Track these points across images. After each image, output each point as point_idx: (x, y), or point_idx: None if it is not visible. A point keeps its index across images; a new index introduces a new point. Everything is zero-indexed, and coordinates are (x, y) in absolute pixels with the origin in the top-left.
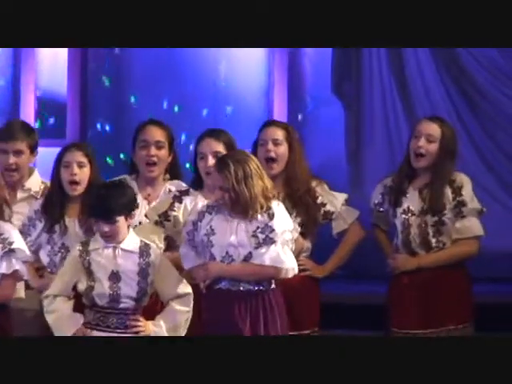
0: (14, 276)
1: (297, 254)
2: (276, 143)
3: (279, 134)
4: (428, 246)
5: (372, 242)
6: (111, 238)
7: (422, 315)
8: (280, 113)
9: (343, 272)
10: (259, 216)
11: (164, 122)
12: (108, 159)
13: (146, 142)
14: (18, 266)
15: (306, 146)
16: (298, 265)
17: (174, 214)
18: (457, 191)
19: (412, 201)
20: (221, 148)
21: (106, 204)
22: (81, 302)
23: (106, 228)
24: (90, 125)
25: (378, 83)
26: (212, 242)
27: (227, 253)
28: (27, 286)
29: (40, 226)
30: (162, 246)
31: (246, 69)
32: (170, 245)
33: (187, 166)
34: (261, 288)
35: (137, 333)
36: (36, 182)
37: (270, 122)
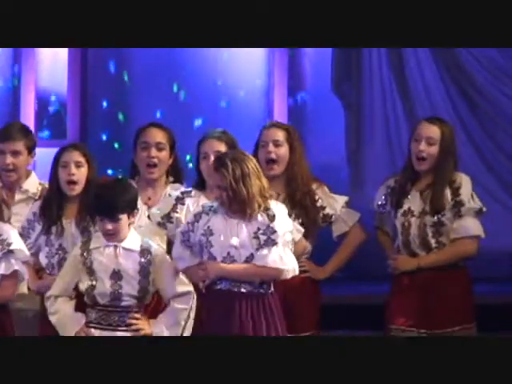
0: (14, 276)
1: (299, 256)
2: (277, 144)
3: (280, 135)
4: (428, 246)
5: (373, 243)
6: (114, 236)
7: (422, 316)
8: (280, 113)
9: (344, 274)
10: (259, 216)
11: (165, 124)
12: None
13: (147, 143)
14: (17, 266)
15: (305, 146)
16: (299, 266)
17: (177, 215)
18: (455, 191)
19: (413, 202)
20: (223, 148)
21: (110, 202)
22: (83, 301)
23: (110, 226)
24: (90, 125)
25: (377, 83)
26: (211, 243)
27: (228, 254)
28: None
29: (38, 227)
30: (165, 247)
31: (245, 69)
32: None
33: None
34: (261, 290)
35: (137, 331)
36: (34, 184)
37: (271, 124)
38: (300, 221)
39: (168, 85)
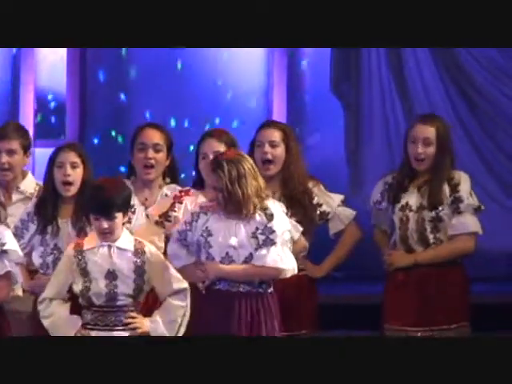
0: (7, 277)
1: (297, 254)
2: (273, 145)
3: (276, 135)
4: (425, 242)
5: (370, 242)
6: (109, 235)
7: (417, 312)
8: (279, 113)
9: (342, 273)
10: (257, 216)
11: (162, 125)
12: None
13: (144, 144)
14: (10, 267)
15: (304, 146)
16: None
17: (175, 214)
18: (454, 188)
19: (411, 197)
20: (222, 148)
21: (107, 200)
22: (77, 303)
23: (106, 225)
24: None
25: (377, 83)
26: (210, 243)
27: (227, 254)
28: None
29: (33, 227)
30: (162, 246)
31: (245, 69)
32: None
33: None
34: (260, 290)
35: (134, 329)
36: (30, 184)
37: (267, 123)
38: (297, 220)
39: (168, 84)
